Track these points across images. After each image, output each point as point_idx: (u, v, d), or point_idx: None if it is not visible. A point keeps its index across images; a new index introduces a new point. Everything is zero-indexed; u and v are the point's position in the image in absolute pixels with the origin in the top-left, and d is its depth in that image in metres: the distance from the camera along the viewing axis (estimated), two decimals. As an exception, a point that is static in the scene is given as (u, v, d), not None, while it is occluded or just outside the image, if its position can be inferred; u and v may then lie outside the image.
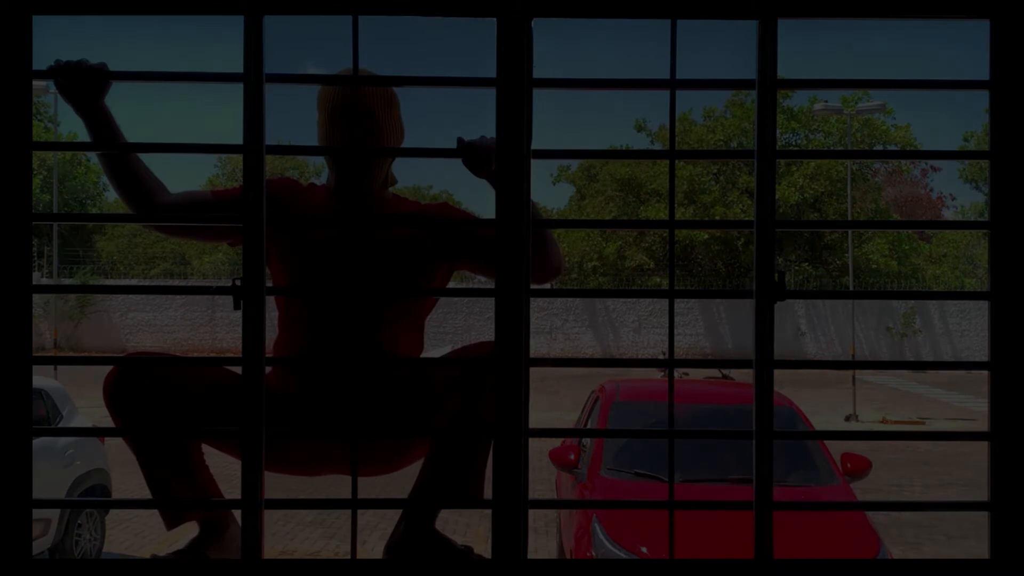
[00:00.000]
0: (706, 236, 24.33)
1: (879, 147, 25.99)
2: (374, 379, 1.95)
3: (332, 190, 2.03)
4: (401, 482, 2.09)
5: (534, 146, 1.50)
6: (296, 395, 1.94)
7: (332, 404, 1.92)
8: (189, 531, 1.97)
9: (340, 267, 1.96)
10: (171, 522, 1.94)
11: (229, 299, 1.49)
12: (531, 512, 1.54)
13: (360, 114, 1.96)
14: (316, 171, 27.27)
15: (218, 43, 37.10)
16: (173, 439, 1.92)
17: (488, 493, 1.62)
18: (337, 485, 1.97)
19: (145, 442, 1.91)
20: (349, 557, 1.55)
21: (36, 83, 1.61)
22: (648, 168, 25.19)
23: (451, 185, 34.29)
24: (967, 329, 25.00)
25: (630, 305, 24.72)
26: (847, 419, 14.95)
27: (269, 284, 1.58)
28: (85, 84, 1.74)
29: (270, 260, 1.98)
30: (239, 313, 1.49)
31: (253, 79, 1.47)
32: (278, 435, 1.79)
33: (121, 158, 1.89)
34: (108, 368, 1.85)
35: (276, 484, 1.81)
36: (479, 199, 37.64)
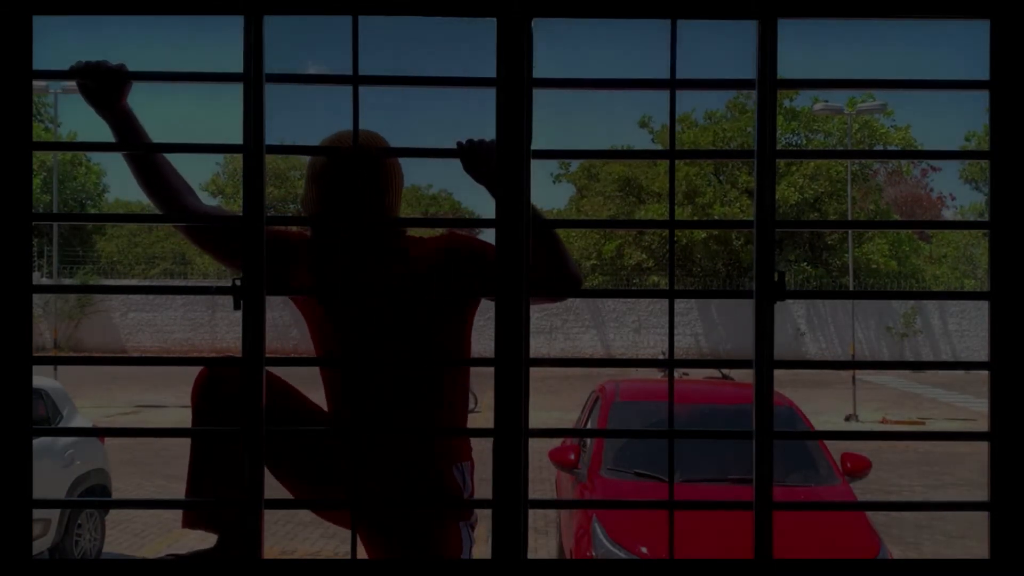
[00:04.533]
0: (705, 235, 24.31)
1: (879, 148, 25.96)
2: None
3: (311, 239, 2.03)
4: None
5: (534, 146, 1.50)
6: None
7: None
8: (189, 536, 1.96)
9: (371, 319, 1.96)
10: (190, 522, 1.89)
11: (229, 299, 1.48)
12: (531, 512, 1.54)
13: (346, 184, 1.96)
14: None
15: (218, 43, 37.08)
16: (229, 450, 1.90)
17: (487, 493, 1.62)
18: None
19: (206, 443, 1.90)
20: (349, 557, 1.56)
21: (36, 83, 1.61)
22: (648, 170, 25.18)
23: (451, 185, 34.20)
24: (967, 329, 25.00)
25: (630, 305, 24.71)
26: (847, 419, 14.94)
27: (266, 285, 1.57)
28: (104, 85, 1.75)
29: (309, 327, 2.05)
30: (239, 313, 1.49)
31: (253, 79, 1.47)
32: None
33: (146, 158, 1.89)
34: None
35: (276, 484, 1.81)
36: (481, 199, 37.60)
